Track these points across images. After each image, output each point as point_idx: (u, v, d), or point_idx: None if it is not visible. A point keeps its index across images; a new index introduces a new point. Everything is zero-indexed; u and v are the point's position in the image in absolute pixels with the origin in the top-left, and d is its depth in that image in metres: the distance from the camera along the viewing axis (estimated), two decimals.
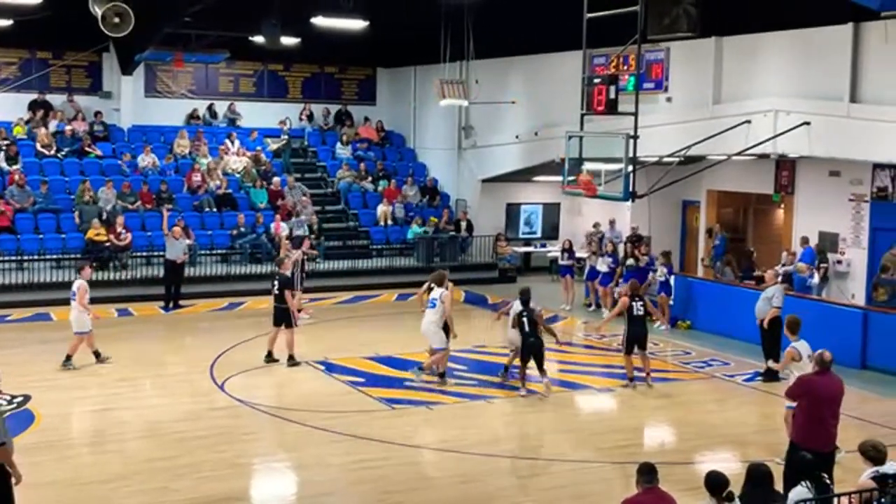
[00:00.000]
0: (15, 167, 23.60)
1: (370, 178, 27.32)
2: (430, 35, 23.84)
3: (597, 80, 16.37)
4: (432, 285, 15.40)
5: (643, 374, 14.98)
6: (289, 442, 12.33)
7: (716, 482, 7.28)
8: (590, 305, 21.45)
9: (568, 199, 24.54)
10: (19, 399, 13.42)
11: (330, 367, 15.61)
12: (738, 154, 17.82)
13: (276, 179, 25.78)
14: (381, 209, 26.10)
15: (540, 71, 23.73)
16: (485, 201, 26.47)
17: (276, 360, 15.78)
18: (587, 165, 16.42)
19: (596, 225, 23.15)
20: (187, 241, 21.31)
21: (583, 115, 16.78)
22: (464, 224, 25.94)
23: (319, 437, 12.26)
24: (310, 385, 14.78)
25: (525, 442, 12.76)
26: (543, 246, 26.78)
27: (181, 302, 20.76)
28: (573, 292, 21.61)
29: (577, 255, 22.34)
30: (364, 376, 15.26)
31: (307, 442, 12.17)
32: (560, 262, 22.38)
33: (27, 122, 25.33)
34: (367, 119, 29.48)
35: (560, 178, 17.64)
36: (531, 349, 14.35)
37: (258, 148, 26.92)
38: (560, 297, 21.66)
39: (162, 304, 20.62)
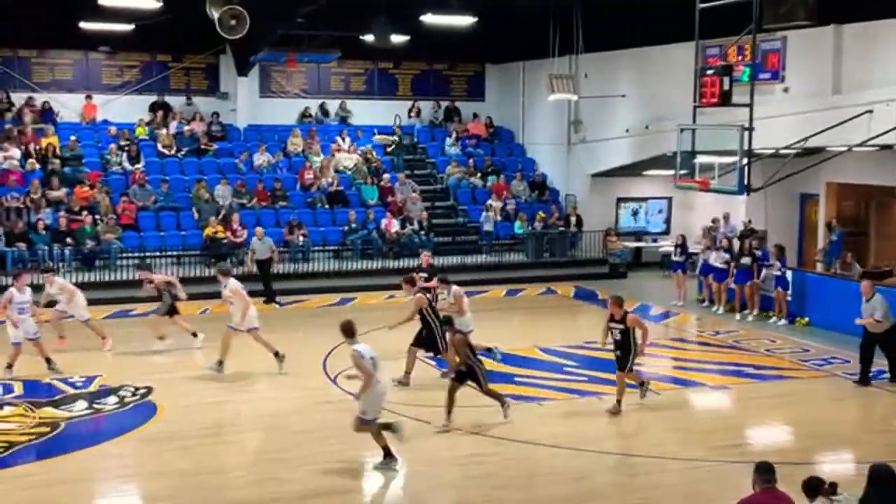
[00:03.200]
0: (137, 167, 24.47)
1: (479, 174, 27.36)
2: (538, 30, 23.72)
3: (710, 72, 16.05)
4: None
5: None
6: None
7: (810, 485, 7.14)
8: (703, 301, 21.02)
9: (680, 194, 24.08)
10: (142, 391, 13.93)
11: (440, 363, 15.68)
12: (860, 145, 17.18)
13: (386, 176, 26.08)
14: (490, 205, 26.09)
15: (650, 63, 23.34)
16: (594, 196, 26.21)
17: None
18: (700, 158, 16.10)
19: (715, 220, 22.63)
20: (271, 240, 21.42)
21: (695, 108, 16.47)
22: (573, 219, 25.75)
23: (430, 431, 12.33)
24: (420, 379, 14.88)
25: (636, 440, 12.58)
26: (655, 241, 26.37)
27: (278, 299, 21.03)
28: (685, 288, 21.23)
29: (690, 250, 21.92)
30: None
31: (417, 436, 12.25)
32: (672, 257, 22.00)
33: (148, 124, 26.23)
34: (475, 115, 29.52)
35: (672, 172, 17.34)
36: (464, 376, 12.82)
37: (369, 145, 27.27)
38: (672, 293, 21.30)
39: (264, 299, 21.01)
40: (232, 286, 15.13)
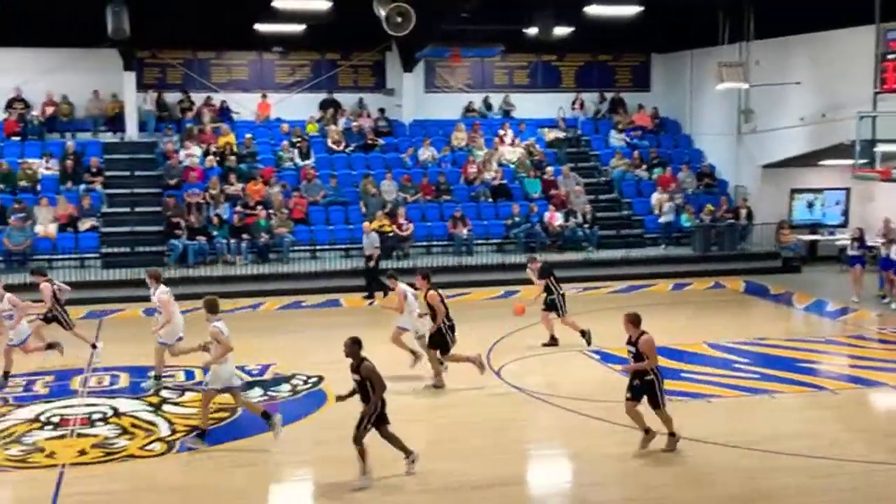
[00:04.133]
0: (307, 163, 25.27)
1: (644, 166, 26.91)
2: (707, 17, 23.10)
3: (891, 56, 15.23)
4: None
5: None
6: (563, 430, 12.39)
7: None
8: (884, 297, 19.98)
9: (860, 184, 22.98)
10: (314, 380, 14.39)
11: (605, 357, 15.53)
12: None
13: (549, 169, 25.99)
14: (656, 197, 25.64)
15: (826, 49, 22.34)
16: (766, 187, 25.34)
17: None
18: (881, 147, 15.32)
19: None
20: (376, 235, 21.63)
21: (876, 94, 15.67)
22: (743, 212, 24.97)
23: (594, 427, 12.24)
24: (585, 374, 14.78)
25: (810, 440, 12.07)
26: (832, 234, 25.25)
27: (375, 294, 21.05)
28: (863, 283, 20.23)
29: (869, 243, 20.86)
30: None
31: (582, 431, 12.19)
32: (849, 251, 21.00)
33: (318, 121, 27.03)
34: (641, 106, 29.02)
35: (850, 162, 16.56)
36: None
37: (532, 139, 27.23)
38: (849, 288, 20.36)
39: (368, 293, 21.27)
40: (160, 294, 13.96)
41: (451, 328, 14.08)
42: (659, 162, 27.02)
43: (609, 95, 29.06)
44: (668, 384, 13.82)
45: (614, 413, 12.48)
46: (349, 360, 10.48)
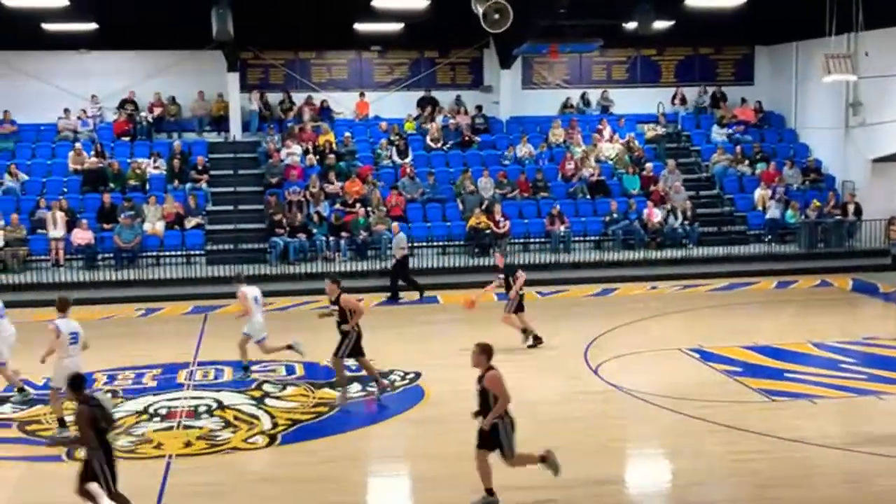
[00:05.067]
0: (406, 161, 25.48)
1: (747, 161, 26.34)
2: (813, 7, 22.47)
3: None
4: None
5: None
6: (662, 429, 12.24)
7: None
8: None
9: None
10: (411, 376, 14.51)
11: (705, 356, 15.28)
12: None
13: (648, 165, 25.65)
14: (759, 193, 25.09)
15: None
16: (876, 182, 24.51)
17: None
18: None
19: None
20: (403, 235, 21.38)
21: None
22: (851, 207, 24.23)
23: (694, 426, 12.06)
24: (684, 373, 14.57)
25: None
26: None
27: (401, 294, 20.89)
28: None
29: None
30: (741, 365, 14.76)
31: (681, 430, 12.02)
32: None
33: (416, 118, 27.23)
34: (743, 100, 28.40)
35: None
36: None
37: (631, 134, 26.93)
38: None
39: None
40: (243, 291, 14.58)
41: (359, 335, 13.39)
42: (762, 157, 26.41)
43: (710, 89, 28.52)
44: (772, 384, 13.61)
45: (715, 413, 12.30)
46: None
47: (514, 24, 18.53)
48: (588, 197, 24.99)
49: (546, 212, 23.98)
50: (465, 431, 12.10)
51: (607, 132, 26.84)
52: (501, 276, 16.31)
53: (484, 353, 9.70)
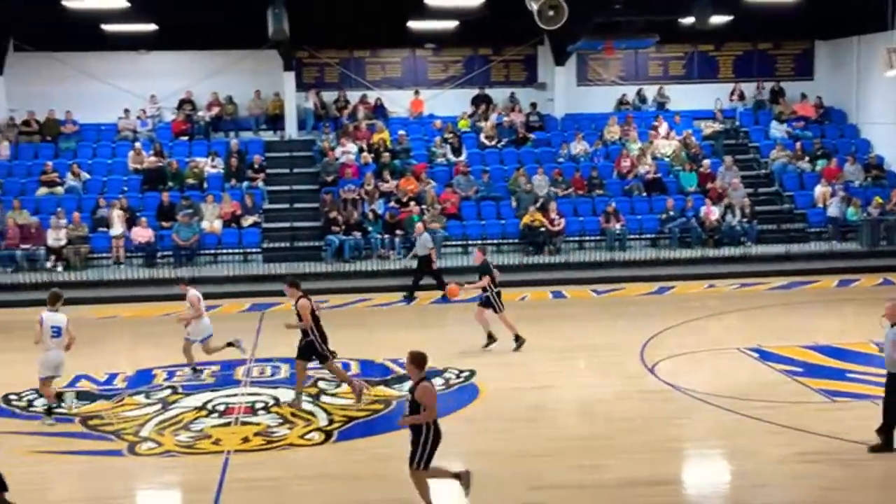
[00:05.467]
0: (460, 158, 25.46)
1: (807, 158, 25.90)
2: (875, 1, 22.02)
3: None
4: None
5: None
6: (721, 429, 12.07)
7: None
8: None
9: None
10: (466, 374, 14.50)
11: (764, 355, 15.05)
12: None
13: (705, 162, 25.34)
14: (820, 190, 24.66)
15: None
16: None
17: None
18: None
19: None
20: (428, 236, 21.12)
21: None
22: None
23: (753, 427, 11.88)
24: (743, 372, 14.36)
25: None
26: None
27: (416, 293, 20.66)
28: None
29: None
30: (801, 366, 14.51)
31: (740, 430, 11.85)
32: None
33: (470, 116, 27.20)
34: (803, 95, 27.95)
35: None
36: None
37: (688, 131, 26.63)
38: None
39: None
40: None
41: (324, 339, 13.18)
42: (823, 153, 25.95)
43: (768, 85, 28.10)
44: (833, 384, 13.36)
45: (775, 413, 12.12)
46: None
47: (568, 21, 18.40)
48: (644, 194, 24.76)
49: (601, 209, 23.81)
50: (520, 430, 12.10)
51: (664, 129, 26.57)
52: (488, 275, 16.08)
53: (414, 362, 9.30)
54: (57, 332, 12.46)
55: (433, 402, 9.23)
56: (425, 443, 9.33)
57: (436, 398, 9.30)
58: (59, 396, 12.97)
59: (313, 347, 13.04)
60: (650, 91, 28.10)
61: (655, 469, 10.64)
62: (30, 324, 12.98)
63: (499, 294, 15.99)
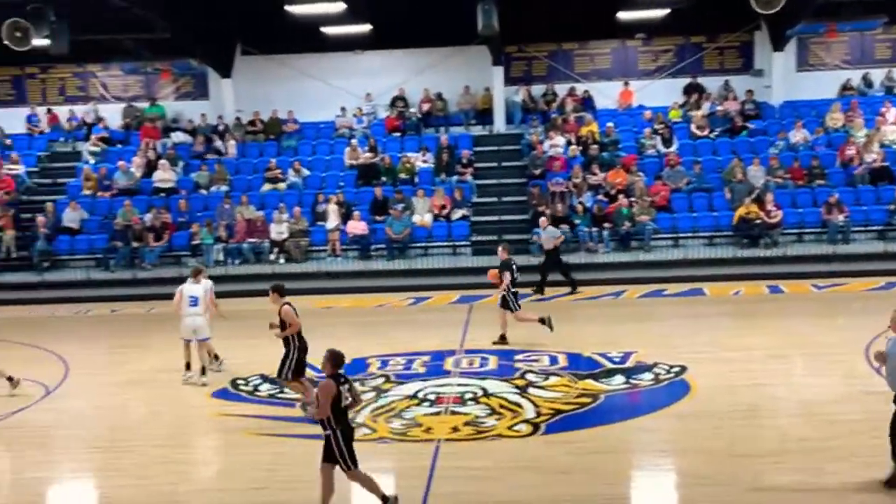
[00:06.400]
0: (670, 150, 24.90)
1: None
2: None
3: None
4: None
5: None
6: None
7: None
8: None
9: None
10: (676, 369, 14.18)
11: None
12: None
13: None
14: None
15: None
16: None
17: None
18: None
19: None
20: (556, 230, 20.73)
21: None
22: None
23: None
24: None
25: None
26: None
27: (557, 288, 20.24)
28: None
29: None
30: None
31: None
32: None
33: (681, 106, 26.55)
34: None
35: None
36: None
37: None
38: None
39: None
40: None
41: (304, 349, 12.70)
42: None
43: None
44: None
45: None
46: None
47: (787, 4, 17.63)
48: (870, 184, 23.37)
49: (823, 200, 22.66)
50: (733, 427, 11.73)
51: (892, 115, 24.98)
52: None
53: (329, 360, 9.22)
54: (194, 301, 14.32)
55: (325, 400, 9.07)
56: (337, 442, 9.23)
57: (330, 398, 9.05)
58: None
59: (300, 363, 12.71)
60: (877, 75, 26.52)
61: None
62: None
63: (515, 294, 15.97)
